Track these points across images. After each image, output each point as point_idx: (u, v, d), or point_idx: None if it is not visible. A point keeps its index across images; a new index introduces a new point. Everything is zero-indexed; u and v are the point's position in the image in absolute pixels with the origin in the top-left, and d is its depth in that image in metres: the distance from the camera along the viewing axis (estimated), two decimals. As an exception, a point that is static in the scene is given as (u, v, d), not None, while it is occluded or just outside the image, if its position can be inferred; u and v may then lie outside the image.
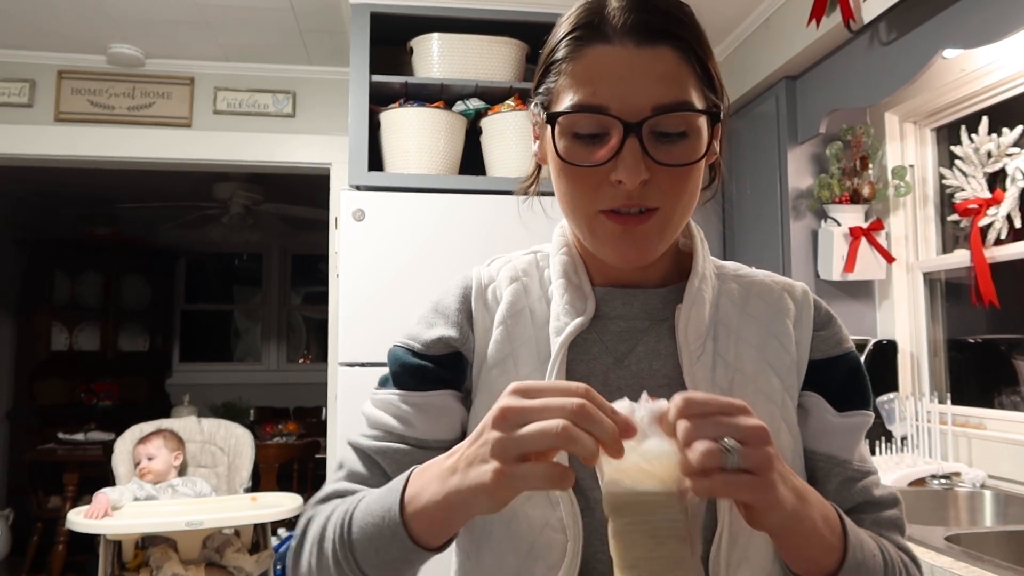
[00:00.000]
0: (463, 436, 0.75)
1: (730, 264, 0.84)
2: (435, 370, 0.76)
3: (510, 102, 2.46)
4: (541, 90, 0.74)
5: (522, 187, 0.85)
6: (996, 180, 2.12)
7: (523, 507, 0.70)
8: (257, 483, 3.87)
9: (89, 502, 2.69)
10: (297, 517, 2.98)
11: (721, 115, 0.71)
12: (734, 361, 0.74)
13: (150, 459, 2.99)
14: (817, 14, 2.21)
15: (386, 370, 0.80)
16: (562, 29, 0.72)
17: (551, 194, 0.76)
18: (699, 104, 0.68)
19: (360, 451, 0.76)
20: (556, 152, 0.69)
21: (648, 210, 0.68)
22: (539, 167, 0.82)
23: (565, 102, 0.69)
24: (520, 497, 0.64)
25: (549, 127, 0.70)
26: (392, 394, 0.77)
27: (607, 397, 0.71)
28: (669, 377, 0.73)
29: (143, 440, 3.07)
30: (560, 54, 0.71)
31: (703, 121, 0.69)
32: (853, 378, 0.78)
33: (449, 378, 0.76)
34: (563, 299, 0.75)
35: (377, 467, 0.75)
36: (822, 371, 0.77)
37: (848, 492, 0.75)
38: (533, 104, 0.76)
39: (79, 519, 2.58)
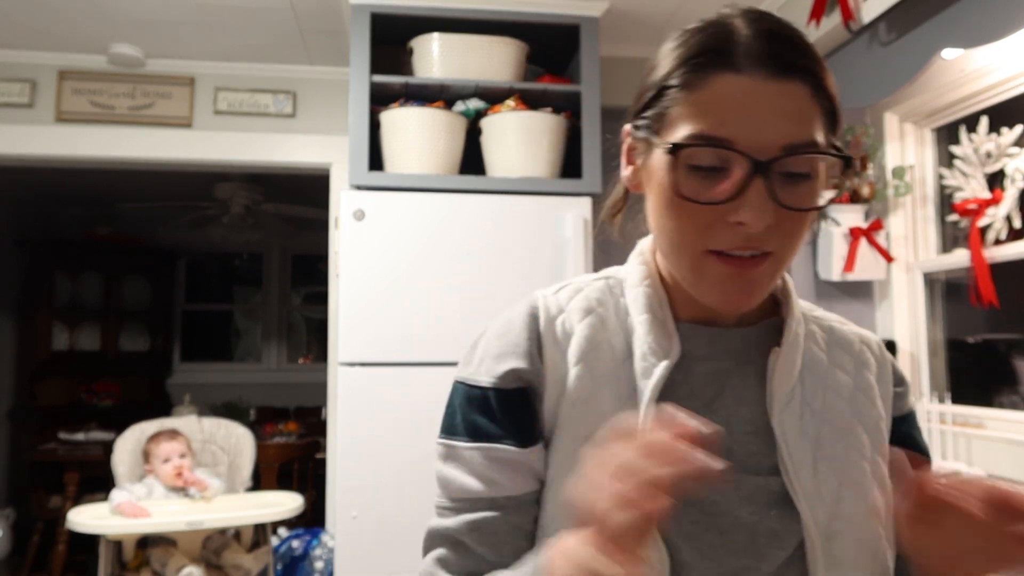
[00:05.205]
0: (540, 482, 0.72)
1: (801, 301, 0.79)
2: (509, 416, 0.71)
3: (510, 102, 2.46)
4: (649, 114, 0.67)
5: (609, 212, 0.80)
6: (995, 180, 2.12)
7: None
8: (258, 482, 3.87)
9: (90, 502, 2.68)
10: (298, 516, 2.99)
11: (849, 160, 0.67)
12: (821, 410, 0.71)
13: (183, 465, 2.95)
14: (817, 14, 2.21)
15: (449, 410, 0.74)
16: (679, 52, 0.66)
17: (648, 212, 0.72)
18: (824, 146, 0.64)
19: (448, 538, 0.71)
20: (670, 186, 0.64)
21: (763, 254, 0.64)
22: (627, 192, 0.77)
23: (682, 131, 0.64)
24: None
25: (663, 156, 0.65)
26: (471, 449, 0.71)
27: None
28: (755, 424, 0.70)
29: (168, 442, 2.96)
30: (677, 80, 0.65)
31: (823, 164, 0.65)
32: (920, 432, 0.80)
33: (523, 424, 0.71)
34: (648, 337, 0.71)
35: (468, 548, 0.70)
36: (902, 428, 0.77)
37: None
38: (634, 127, 0.70)
39: (79, 519, 2.58)
